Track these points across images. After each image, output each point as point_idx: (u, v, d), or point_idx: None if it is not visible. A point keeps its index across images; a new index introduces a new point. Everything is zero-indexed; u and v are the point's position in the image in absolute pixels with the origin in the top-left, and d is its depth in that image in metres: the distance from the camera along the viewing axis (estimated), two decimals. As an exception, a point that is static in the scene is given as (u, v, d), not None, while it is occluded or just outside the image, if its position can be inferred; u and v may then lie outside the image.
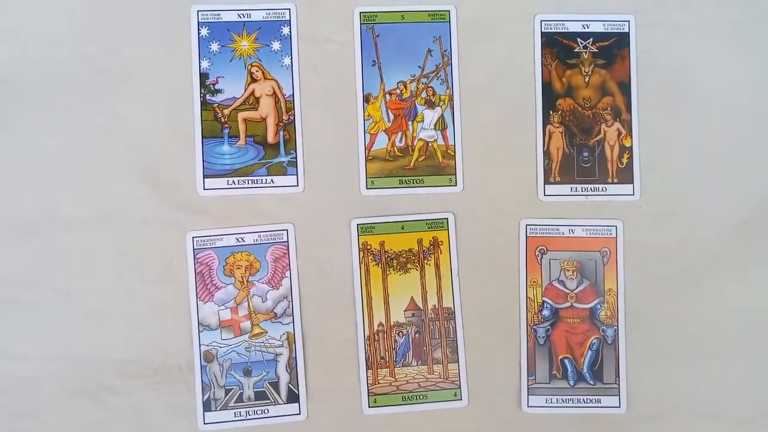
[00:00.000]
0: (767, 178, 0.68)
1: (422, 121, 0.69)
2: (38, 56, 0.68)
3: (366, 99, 0.68)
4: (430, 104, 0.69)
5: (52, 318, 0.66)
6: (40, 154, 0.67)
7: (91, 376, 0.66)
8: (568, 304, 0.68)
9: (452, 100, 0.69)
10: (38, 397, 0.66)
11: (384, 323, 0.67)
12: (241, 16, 0.69)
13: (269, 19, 0.68)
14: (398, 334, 0.67)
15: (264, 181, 0.67)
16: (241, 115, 0.68)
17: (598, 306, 0.68)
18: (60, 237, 0.66)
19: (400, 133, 0.69)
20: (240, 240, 0.67)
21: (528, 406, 0.67)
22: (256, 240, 0.67)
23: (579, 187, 0.68)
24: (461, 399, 0.67)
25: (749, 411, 0.67)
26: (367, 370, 0.67)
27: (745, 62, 0.69)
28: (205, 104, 0.68)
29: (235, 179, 0.67)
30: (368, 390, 0.66)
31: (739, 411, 0.67)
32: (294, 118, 0.68)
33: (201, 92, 0.68)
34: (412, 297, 0.68)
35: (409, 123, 0.69)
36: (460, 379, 0.67)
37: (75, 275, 0.66)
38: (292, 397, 0.66)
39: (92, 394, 0.66)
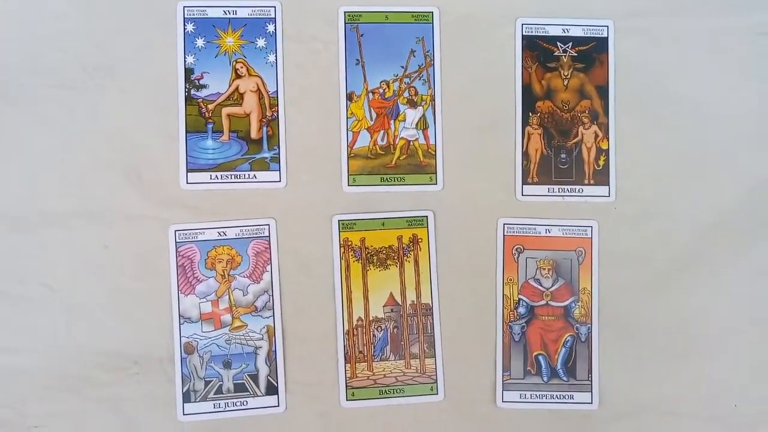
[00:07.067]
0: (738, 183, 0.70)
1: (404, 120, 0.70)
2: (24, 53, 0.68)
3: (349, 97, 0.69)
4: (412, 104, 0.70)
5: (35, 311, 0.66)
6: (25, 149, 0.67)
7: (73, 368, 0.66)
8: (543, 302, 0.69)
9: (434, 100, 0.70)
10: (20, 389, 0.66)
11: (363, 318, 0.68)
12: (227, 12, 0.69)
13: (254, 16, 0.69)
14: (377, 329, 0.68)
15: (247, 176, 0.68)
16: (225, 111, 0.69)
17: (573, 304, 0.69)
18: (44, 231, 0.67)
19: (382, 131, 0.70)
20: (222, 234, 0.68)
21: (502, 401, 0.68)
22: (238, 234, 0.68)
23: (556, 188, 0.70)
24: (437, 393, 0.68)
25: (720, 410, 0.69)
26: (345, 363, 0.67)
27: (721, 70, 0.71)
28: (189, 99, 0.68)
29: (218, 174, 0.68)
30: (346, 383, 0.67)
31: (710, 409, 0.69)
32: (277, 115, 0.69)
33: (186, 87, 0.68)
34: (391, 293, 0.69)
35: (391, 122, 0.70)
36: (436, 374, 0.68)
37: (58, 269, 0.67)
38: (271, 390, 0.67)
39: (73, 385, 0.66)
